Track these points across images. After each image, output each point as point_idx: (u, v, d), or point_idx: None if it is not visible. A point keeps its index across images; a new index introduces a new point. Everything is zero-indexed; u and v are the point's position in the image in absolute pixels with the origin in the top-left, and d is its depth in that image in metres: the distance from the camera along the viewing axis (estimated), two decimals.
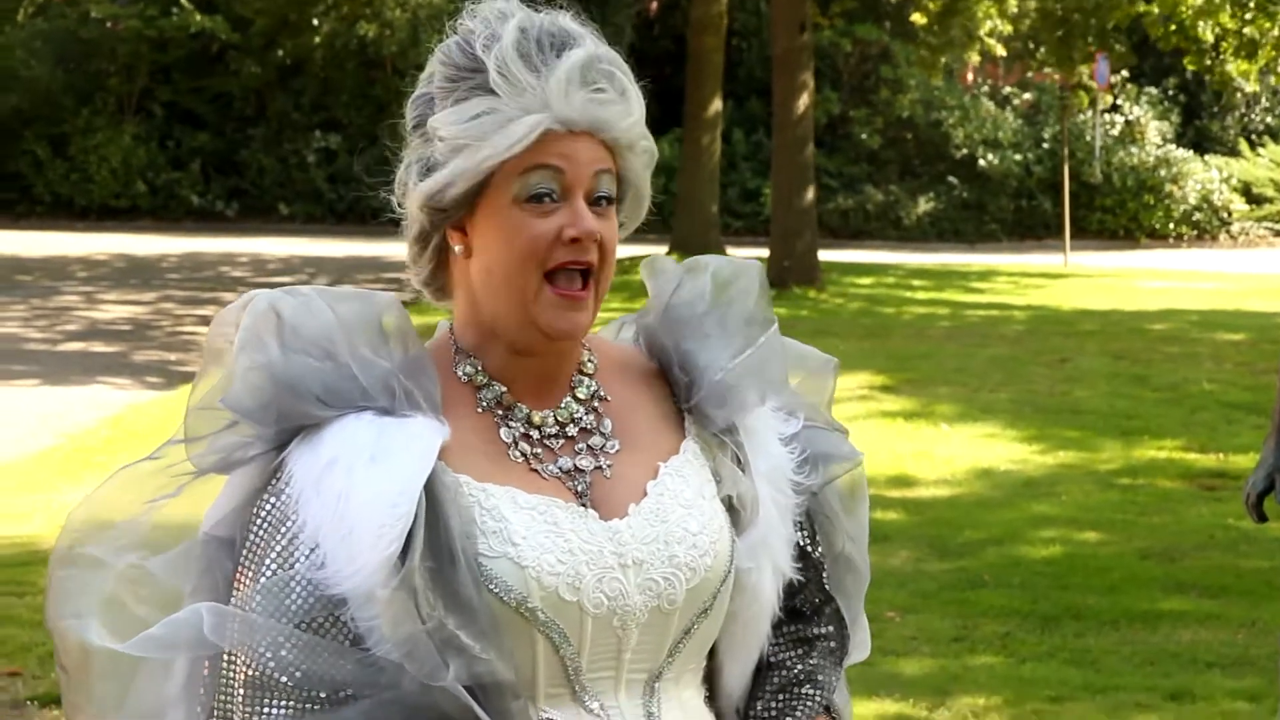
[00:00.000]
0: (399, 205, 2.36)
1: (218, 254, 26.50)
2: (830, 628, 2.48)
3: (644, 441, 2.36)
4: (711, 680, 2.41)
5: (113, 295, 21.28)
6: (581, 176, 2.26)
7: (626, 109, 2.28)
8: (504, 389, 2.32)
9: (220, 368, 2.26)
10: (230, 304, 2.30)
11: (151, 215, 31.55)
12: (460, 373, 2.32)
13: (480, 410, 2.30)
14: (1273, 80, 22.93)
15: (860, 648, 2.53)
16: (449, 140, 2.26)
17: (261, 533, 2.21)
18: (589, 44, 2.28)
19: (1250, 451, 10.61)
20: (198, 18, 30.96)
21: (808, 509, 2.46)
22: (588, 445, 2.33)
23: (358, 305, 2.28)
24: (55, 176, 31.69)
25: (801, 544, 2.45)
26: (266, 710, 2.15)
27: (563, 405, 2.34)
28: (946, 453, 11.68)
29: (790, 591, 2.44)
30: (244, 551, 2.22)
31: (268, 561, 2.18)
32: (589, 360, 2.37)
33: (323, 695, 2.14)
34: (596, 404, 2.36)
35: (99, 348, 17.07)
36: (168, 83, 32.71)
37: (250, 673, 2.16)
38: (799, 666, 2.44)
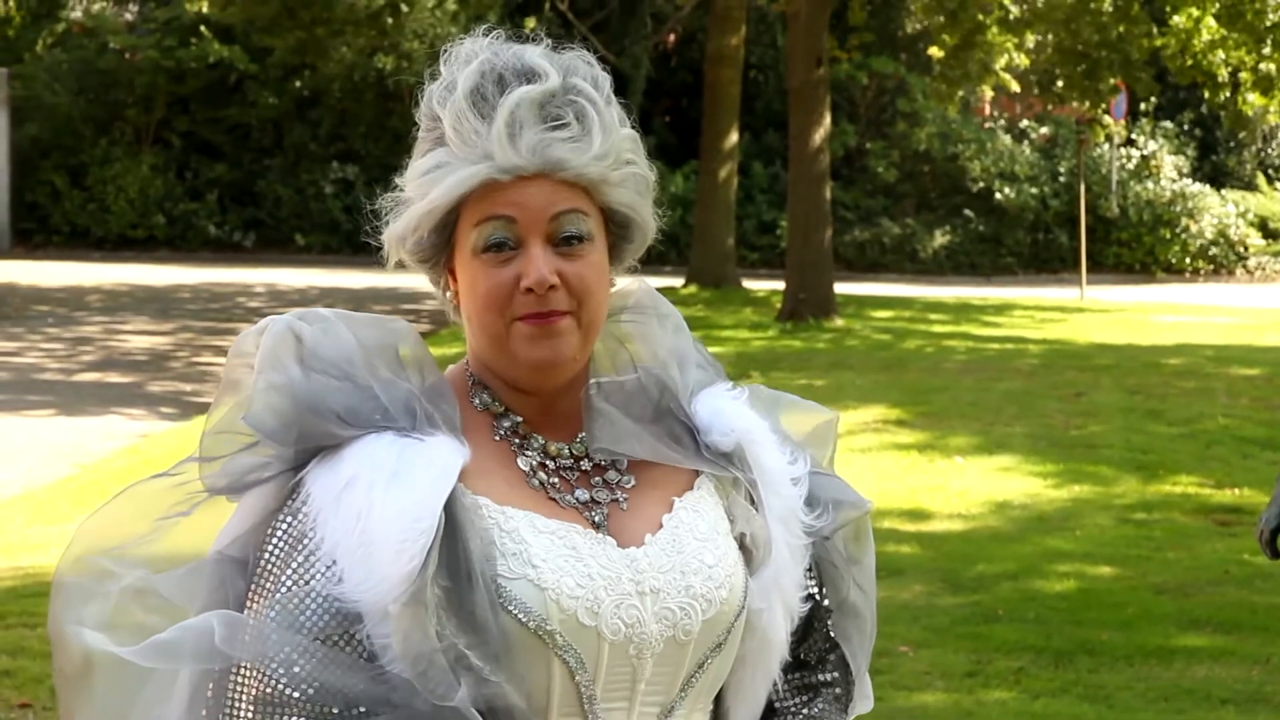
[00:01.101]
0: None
1: (234, 284, 26.56)
2: (835, 674, 2.46)
3: (658, 478, 2.35)
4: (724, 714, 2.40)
5: (129, 326, 21.33)
6: (535, 222, 2.24)
7: (587, 143, 2.25)
8: (520, 419, 2.32)
9: (237, 392, 2.27)
10: (249, 329, 2.30)
11: (168, 245, 31.65)
12: (477, 401, 2.32)
13: (497, 439, 2.31)
14: None
15: (864, 700, 2.50)
16: (409, 192, 2.30)
17: (278, 551, 2.20)
18: (552, 79, 2.25)
19: (1265, 487, 10.59)
20: (216, 46, 31.07)
21: (815, 556, 2.44)
22: (603, 480, 2.32)
23: (376, 330, 2.30)
24: (73, 207, 31.80)
25: (809, 589, 2.44)
26: None
27: (578, 440, 2.33)
28: (961, 486, 11.67)
29: (796, 638, 2.43)
30: (258, 571, 2.21)
31: (284, 578, 2.18)
32: (600, 424, 2.34)
33: (335, 712, 2.13)
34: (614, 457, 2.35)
35: (115, 378, 17.10)
36: (185, 113, 32.82)
37: (261, 688, 2.15)
38: (803, 713, 2.44)
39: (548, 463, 2.31)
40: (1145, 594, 9.11)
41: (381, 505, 2.15)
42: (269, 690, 2.14)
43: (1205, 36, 21.71)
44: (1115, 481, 11.97)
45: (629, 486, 2.33)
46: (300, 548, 2.19)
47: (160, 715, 2.23)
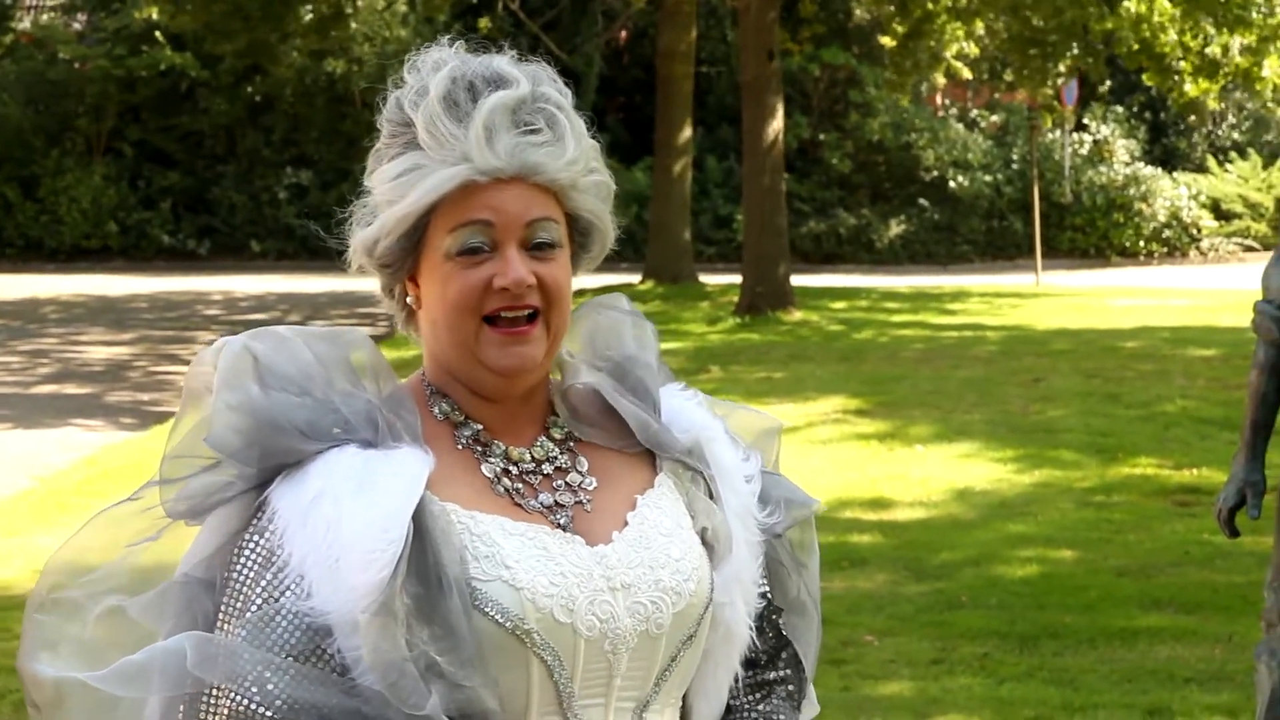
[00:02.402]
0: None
1: (190, 293, 26.47)
2: (788, 671, 2.49)
3: (619, 478, 2.37)
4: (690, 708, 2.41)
5: (86, 337, 21.25)
6: (512, 228, 2.28)
7: (560, 148, 2.29)
8: (480, 426, 2.34)
9: (197, 414, 2.28)
10: (205, 349, 2.31)
11: (123, 255, 31.52)
12: (437, 411, 2.34)
13: (460, 447, 2.32)
14: (1258, 86, 22.86)
15: (810, 705, 2.53)
16: (378, 197, 2.30)
17: (247, 571, 2.21)
18: (523, 85, 2.28)
19: (1223, 467, 10.63)
20: (168, 54, 30.94)
21: (765, 555, 2.47)
22: (565, 482, 2.34)
23: (331, 343, 2.31)
24: (25, 219, 31.64)
25: (760, 588, 2.46)
26: None
27: (538, 444, 2.36)
28: (922, 474, 11.70)
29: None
30: (227, 591, 2.22)
31: (253, 597, 2.18)
32: (560, 401, 2.39)
33: None
34: (571, 444, 2.38)
35: (72, 389, 17.04)
36: (137, 122, 32.68)
37: (233, 707, 2.14)
38: (757, 710, 2.46)
39: (511, 469, 2.32)
40: (1107, 576, 9.16)
41: (350, 518, 2.16)
42: (241, 709, 2.15)
43: (1157, 19, 21.74)
44: (1075, 465, 12.02)
45: (591, 489, 2.35)
46: (269, 566, 2.19)
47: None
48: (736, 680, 2.44)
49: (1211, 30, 21.86)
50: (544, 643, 2.21)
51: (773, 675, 2.48)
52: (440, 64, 2.30)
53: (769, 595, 2.47)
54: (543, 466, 2.34)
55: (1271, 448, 5.67)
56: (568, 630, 2.23)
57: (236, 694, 2.14)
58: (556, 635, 2.22)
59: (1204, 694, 7.37)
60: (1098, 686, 7.49)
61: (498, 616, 2.19)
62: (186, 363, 17.01)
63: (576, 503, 2.33)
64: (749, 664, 2.46)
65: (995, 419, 13.75)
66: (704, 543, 2.37)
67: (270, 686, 2.14)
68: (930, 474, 11.72)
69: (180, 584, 2.25)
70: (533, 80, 2.30)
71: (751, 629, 2.41)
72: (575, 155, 2.30)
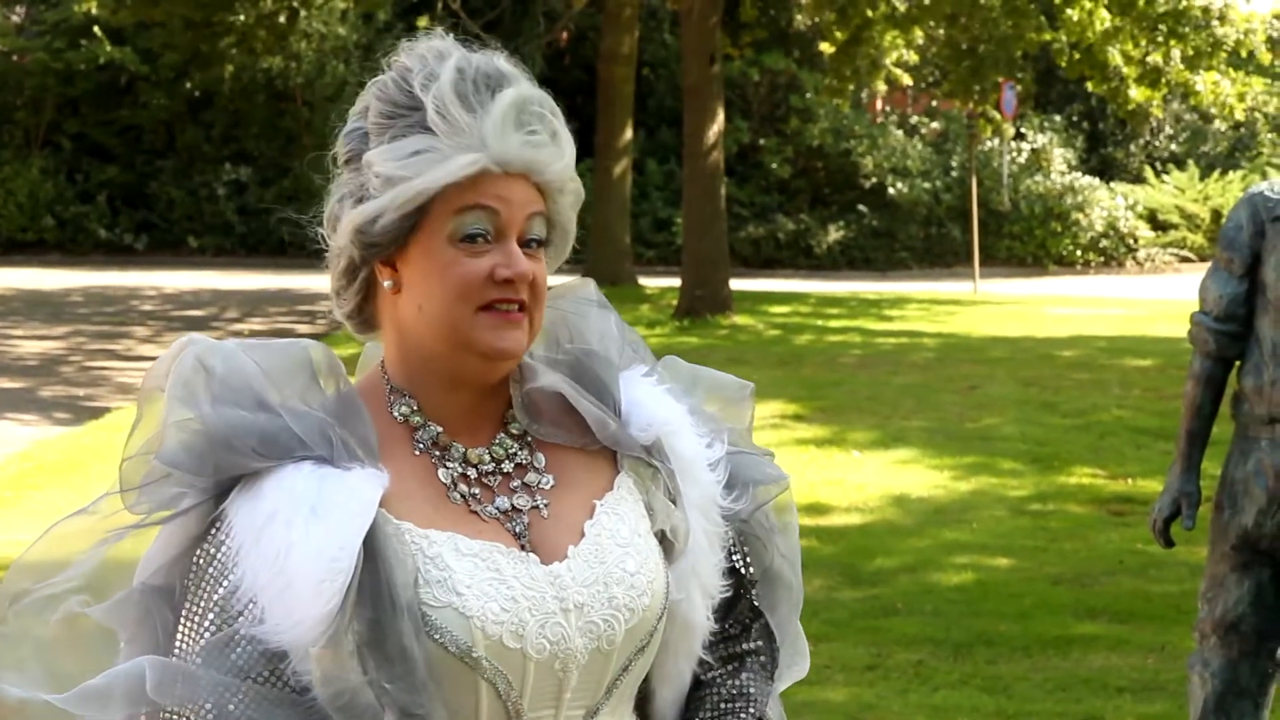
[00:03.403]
0: (326, 238, 2.37)
1: (127, 287, 26.31)
2: (760, 643, 2.50)
3: (578, 477, 2.38)
4: (643, 706, 2.43)
5: (19, 330, 21.09)
6: (515, 219, 2.29)
7: (558, 151, 2.32)
8: (439, 429, 2.33)
9: (153, 418, 2.27)
10: (161, 355, 2.30)
11: (59, 249, 31.32)
12: (396, 413, 2.33)
13: (417, 452, 2.32)
14: (1192, 100, 23.06)
15: (798, 662, 2.56)
16: (383, 174, 2.28)
17: (203, 585, 2.21)
18: (523, 85, 2.31)
19: (1158, 477, 10.70)
20: (107, 48, 30.76)
21: (738, 530, 2.48)
22: (523, 482, 2.34)
23: (283, 353, 2.31)
24: None
25: (732, 563, 2.47)
26: None
27: (496, 441, 2.35)
28: (859, 480, 11.73)
29: (721, 612, 2.46)
30: (186, 602, 2.22)
31: (210, 616, 2.19)
32: (519, 404, 2.38)
33: None
34: (530, 439, 2.37)
35: (5, 384, 16.90)
36: (75, 115, 32.49)
37: None
38: (730, 682, 2.46)
39: (469, 471, 2.32)
40: (1042, 585, 9.19)
41: (301, 544, 2.16)
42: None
43: (1099, 28, 21.86)
44: (1011, 473, 12.07)
45: (549, 488, 2.35)
46: (222, 584, 2.19)
47: None
48: (710, 654, 2.45)
49: (1145, 43, 22.00)
50: (493, 668, 2.22)
51: (745, 647, 2.48)
52: (444, 53, 2.31)
53: (740, 569, 2.48)
54: (502, 465, 2.34)
55: (1206, 459, 5.70)
56: (517, 654, 2.23)
57: (195, 717, 2.15)
58: (506, 659, 2.23)
59: (1137, 703, 7.40)
60: (1032, 695, 7.52)
61: (447, 643, 2.20)
62: (122, 358, 16.93)
63: (533, 507, 2.32)
64: (724, 637, 2.47)
65: (933, 426, 13.79)
66: (663, 541, 2.38)
67: (231, 707, 2.14)
68: (867, 480, 11.75)
69: (139, 592, 2.25)
70: (526, 82, 2.33)
71: (711, 618, 2.42)
72: (570, 159, 2.35)
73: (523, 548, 2.29)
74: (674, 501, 2.40)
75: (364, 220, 2.28)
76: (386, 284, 2.31)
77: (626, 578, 2.31)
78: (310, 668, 2.15)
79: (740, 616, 2.49)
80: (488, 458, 2.34)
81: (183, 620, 2.22)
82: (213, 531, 2.22)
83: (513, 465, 2.35)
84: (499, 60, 2.32)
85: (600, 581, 2.30)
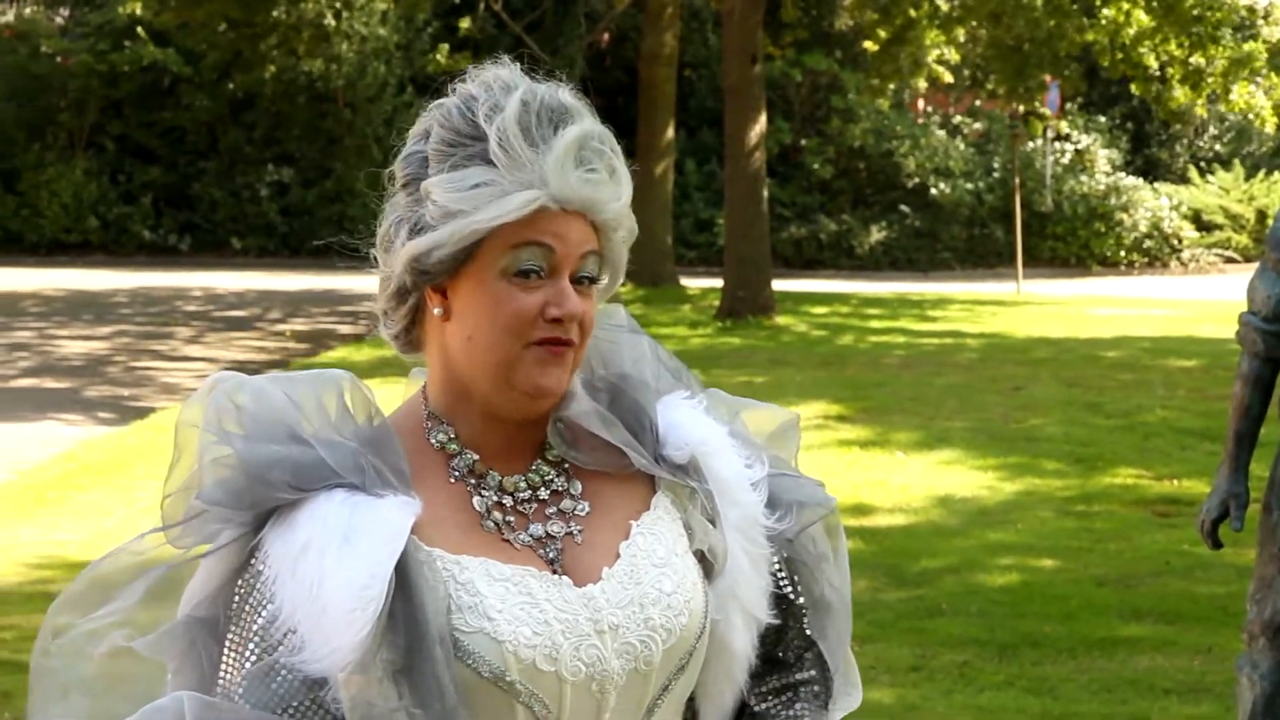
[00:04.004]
0: (379, 258, 2.36)
1: (170, 288, 26.41)
2: (814, 672, 2.47)
3: (614, 500, 2.36)
4: None
5: (64, 331, 21.18)
6: (570, 256, 2.27)
7: (617, 191, 2.30)
8: (476, 457, 2.32)
9: (190, 455, 2.28)
10: (193, 393, 2.31)
11: (103, 250, 31.45)
12: (434, 440, 2.33)
13: (453, 480, 2.31)
14: (1221, 108, 23.04)
15: (851, 692, 2.52)
16: (442, 205, 2.26)
17: (244, 615, 2.22)
18: (586, 121, 2.29)
19: (1203, 478, 10.66)
20: (150, 49, 30.88)
21: (787, 556, 2.45)
22: (559, 509, 2.33)
23: (312, 385, 2.30)
24: (6, 212, 31.56)
25: (781, 590, 2.44)
26: None
27: (533, 469, 2.34)
28: (903, 481, 11.70)
29: (771, 640, 2.44)
30: (229, 632, 2.23)
31: (251, 645, 2.20)
32: (553, 430, 2.36)
33: None
34: (566, 465, 2.36)
35: (51, 384, 16.98)
36: (119, 117, 32.61)
37: None
38: (784, 714, 2.44)
39: (504, 500, 2.31)
40: (1087, 586, 9.16)
41: (333, 573, 2.16)
42: None
43: (1134, 29, 21.81)
44: (1055, 474, 12.03)
45: (584, 515, 2.33)
46: (262, 614, 2.20)
47: None
48: (763, 684, 2.44)
49: (1181, 46, 21.92)
50: (528, 691, 2.21)
51: (799, 677, 2.46)
52: (510, 84, 2.29)
53: (791, 596, 2.45)
54: (538, 492, 2.33)
55: (1255, 460, 5.67)
56: (552, 677, 2.22)
57: None
58: (540, 683, 2.22)
59: (1183, 705, 7.37)
60: (1077, 696, 7.49)
61: (480, 668, 2.20)
62: (166, 358, 16.99)
63: (567, 533, 2.31)
64: (777, 664, 2.45)
65: (976, 426, 13.76)
66: (702, 560, 2.36)
67: None
68: (911, 481, 11.72)
69: (183, 624, 2.26)
70: (589, 118, 2.30)
71: (755, 644, 2.39)
72: (627, 198, 2.33)
73: (555, 572, 2.28)
74: (713, 522, 2.37)
75: (420, 252, 2.27)
76: (436, 311, 2.30)
77: (663, 598, 2.29)
78: (348, 694, 2.15)
79: (792, 645, 2.46)
80: (523, 485, 2.33)
81: (226, 650, 2.23)
82: (252, 561, 2.23)
83: (548, 492, 2.34)
84: (563, 93, 2.30)
85: (635, 602, 2.28)
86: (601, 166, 2.28)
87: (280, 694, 2.17)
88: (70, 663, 2.29)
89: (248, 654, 2.20)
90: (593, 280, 2.31)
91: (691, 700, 2.39)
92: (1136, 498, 11.34)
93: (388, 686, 2.15)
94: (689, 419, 2.42)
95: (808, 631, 2.46)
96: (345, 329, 21.27)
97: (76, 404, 15.74)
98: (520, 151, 2.24)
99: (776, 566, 2.44)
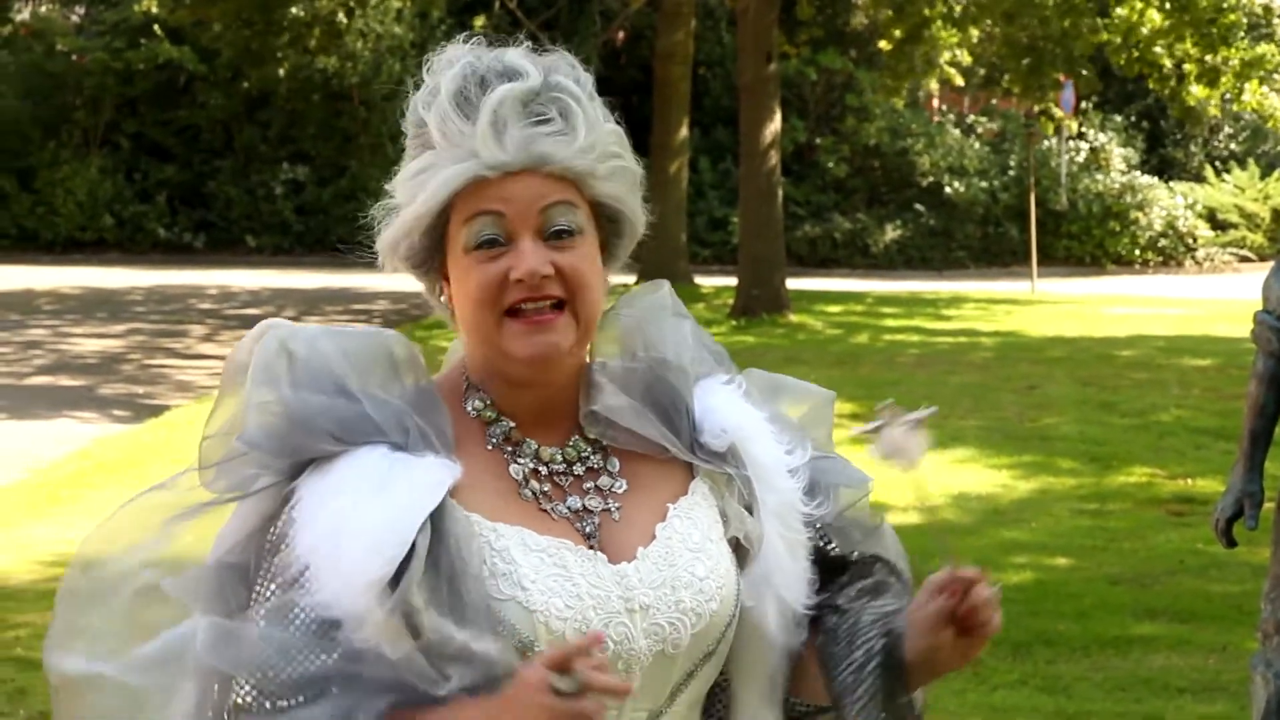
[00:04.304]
0: None
1: (185, 286, 26.45)
2: (890, 578, 2.47)
3: (652, 481, 2.36)
4: (726, 711, 2.40)
5: (79, 329, 21.21)
6: (525, 215, 2.26)
7: (571, 137, 2.27)
8: (512, 424, 2.33)
9: (235, 398, 2.29)
10: (246, 335, 2.32)
11: (118, 248, 31.49)
12: (470, 408, 2.33)
13: (490, 447, 2.32)
14: (1235, 107, 23.02)
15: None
16: (398, 197, 2.31)
17: (271, 558, 2.22)
18: (533, 76, 2.27)
19: (1218, 477, 10.63)
20: (165, 47, 30.91)
21: (835, 526, 2.46)
22: (596, 485, 2.33)
23: (365, 341, 2.31)
24: (21, 210, 31.60)
25: (834, 553, 2.44)
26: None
27: (571, 444, 2.35)
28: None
29: (832, 574, 2.43)
30: (259, 577, 2.23)
31: (272, 586, 2.20)
32: (586, 410, 2.35)
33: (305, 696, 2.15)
34: (605, 442, 2.36)
35: (66, 381, 17.01)
36: (134, 115, 32.66)
37: (245, 695, 2.17)
38: (870, 605, 2.42)
39: (540, 469, 2.32)
40: (1101, 585, 9.15)
41: (360, 516, 2.16)
42: (250, 697, 2.16)
43: (1147, 29, 21.78)
44: (1070, 473, 12.02)
45: (621, 492, 2.33)
46: (285, 553, 2.20)
47: (169, 716, 2.24)
48: (839, 591, 2.42)
49: (1196, 45, 21.89)
50: None
51: (875, 580, 2.45)
52: (452, 61, 2.30)
53: (836, 553, 2.45)
54: (574, 467, 2.33)
55: (1270, 459, 5.66)
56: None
57: (252, 680, 2.16)
58: None
59: (1197, 704, 7.36)
60: (1091, 695, 7.48)
61: (509, 637, 2.19)
62: (181, 356, 17.02)
63: (604, 510, 2.31)
64: (849, 581, 2.44)
65: (991, 425, 13.75)
66: (737, 548, 2.36)
67: (284, 675, 2.15)
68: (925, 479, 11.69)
69: (213, 569, 2.26)
70: (546, 70, 2.29)
71: (791, 626, 2.36)
72: (589, 142, 2.29)
73: (591, 547, 2.28)
74: (749, 509, 2.37)
75: (390, 245, 2.32)
76: (441, 297, 2.35)
77: (695, 582, 2.29)
78: (362, 636, 2.14)
79: (859, 571, 2.45)
80: (560, 458, 2.33)
81: (255, 594, 2.23)
82: (285, 508, 2.24)
83: (584, 469, 2.34)
84: (511, 55, 2.30)
85: (668, 584, 2.28)
86: (556, 115, 2.27)
87: (295, 630, 2.16)
88: (97, 598, 2.29)
89: (269, 594, 2.20)
90: (570, 232, 2.28)
91: (726, 687, 2.38)
92: (1151, 497, 11.32)
93: (425, 620, 2.13)
94: (727, 404, 2.41)
95: (868, 554, 2.47)
96: (360, 327, 21.28)
97: (91, 402, 15.76)
98: (456, 127, 2.26)
99: (823, 539, 2.43)
